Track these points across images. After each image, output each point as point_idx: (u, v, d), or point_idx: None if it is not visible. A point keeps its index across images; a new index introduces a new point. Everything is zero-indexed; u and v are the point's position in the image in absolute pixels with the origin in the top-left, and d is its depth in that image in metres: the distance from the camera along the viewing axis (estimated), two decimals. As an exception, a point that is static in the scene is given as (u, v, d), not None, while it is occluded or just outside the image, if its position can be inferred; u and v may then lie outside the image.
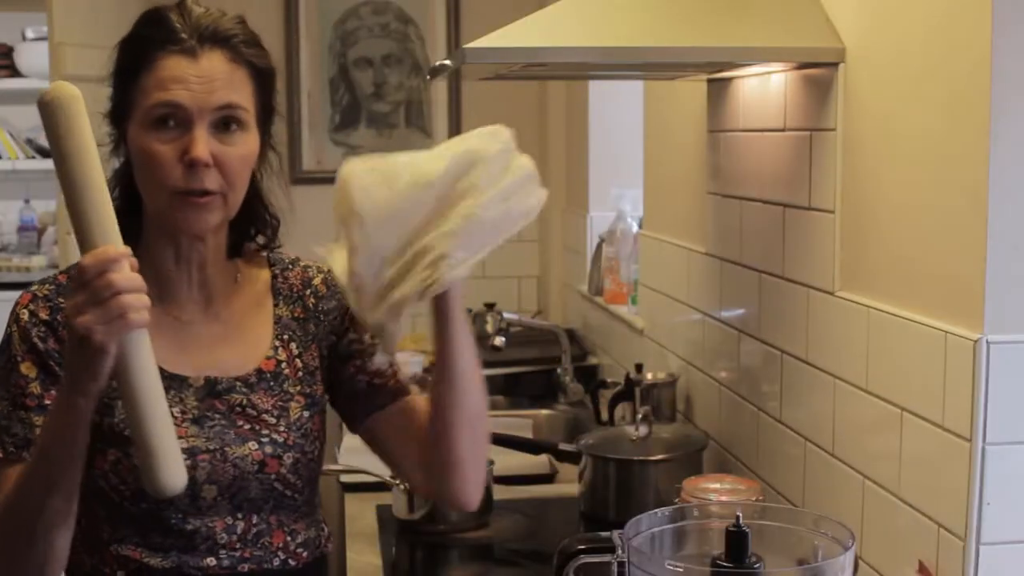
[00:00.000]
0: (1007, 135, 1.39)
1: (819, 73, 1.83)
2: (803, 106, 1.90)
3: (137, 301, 1.29)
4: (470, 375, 1.54)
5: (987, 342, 1.40)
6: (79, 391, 1.34)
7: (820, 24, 1.80)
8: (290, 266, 1.68)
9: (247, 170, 1.53)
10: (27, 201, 6.11)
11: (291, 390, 1.60)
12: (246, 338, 1.60)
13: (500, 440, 2.47)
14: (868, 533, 1.68)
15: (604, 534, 1.41)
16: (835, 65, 1.78)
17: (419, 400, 1.64)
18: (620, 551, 1.35)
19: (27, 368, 1.49)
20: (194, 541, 1.52)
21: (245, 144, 1.51)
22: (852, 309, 1.73)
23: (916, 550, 1.54)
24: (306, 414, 1.60)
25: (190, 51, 1.47)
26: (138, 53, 1.49)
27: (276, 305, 1.64)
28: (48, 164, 5.72)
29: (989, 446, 1.41)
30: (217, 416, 1.54)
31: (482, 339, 3.52)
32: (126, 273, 1.30)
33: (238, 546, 1.54)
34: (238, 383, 1.56)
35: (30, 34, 5.76)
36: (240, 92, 1.50)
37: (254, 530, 1.55)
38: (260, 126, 1.55)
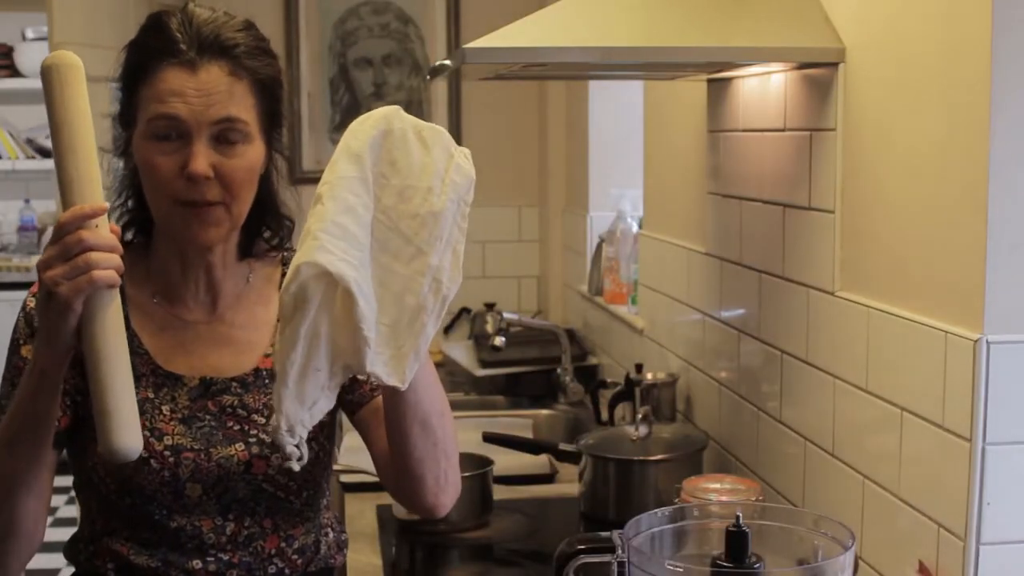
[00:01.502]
0: (1007, 135, 1.39)
1: (819, 73, 1.83)
2: (803, 106, 1.90)
3: (106, 260, 1.29)
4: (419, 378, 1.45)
5: (987, 342, 1.40)
6: (45, 350, 1.34)
7: (820, 24, 1.80)
8: None
9: (251, 180, 1.51)
10: (27, 201, 6.11)
11: None
12: (248, 338, 1.60)
13: (500, 440, 2.48)
14: (868, 533, 1.68)
15: (604, 534, 1.41)
16: (835, 65, 1.78)
17: None
18: (620, 551, 1.35)
19: (27, 351, 1.50)
20: (179, 539, 1.52)
21: (247, 156, 1.49)
22: (852, 309, 1.73)
23: (916, 550, 1.54)
24: None
25: (189, 64, 1.45)
26: (139, 62, 1.48)
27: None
28: (48, 164, 5.73)
29: (989, 446, 1.41)
30: (208, 417, 1.54)
31: (482, 339, 3.53)
32: (99, 232, 1.30)
33: (228, 548, 1.53)
34: (234, 383, 1.56)
35: (30, 34, 5.77)
36: (240, 105, 1.47)
37: (245, 533, 1.55)
38: (265, 134, 1.53)
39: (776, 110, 2.00)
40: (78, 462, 1.55)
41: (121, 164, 1.58)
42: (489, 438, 2.48)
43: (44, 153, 5.87)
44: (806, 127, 1.89)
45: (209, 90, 1.45)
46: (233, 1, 1.55)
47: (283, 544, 1.57)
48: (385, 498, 2.25)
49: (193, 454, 1.51)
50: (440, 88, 4.17)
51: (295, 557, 1.59)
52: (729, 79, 2.21)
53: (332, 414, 1.63)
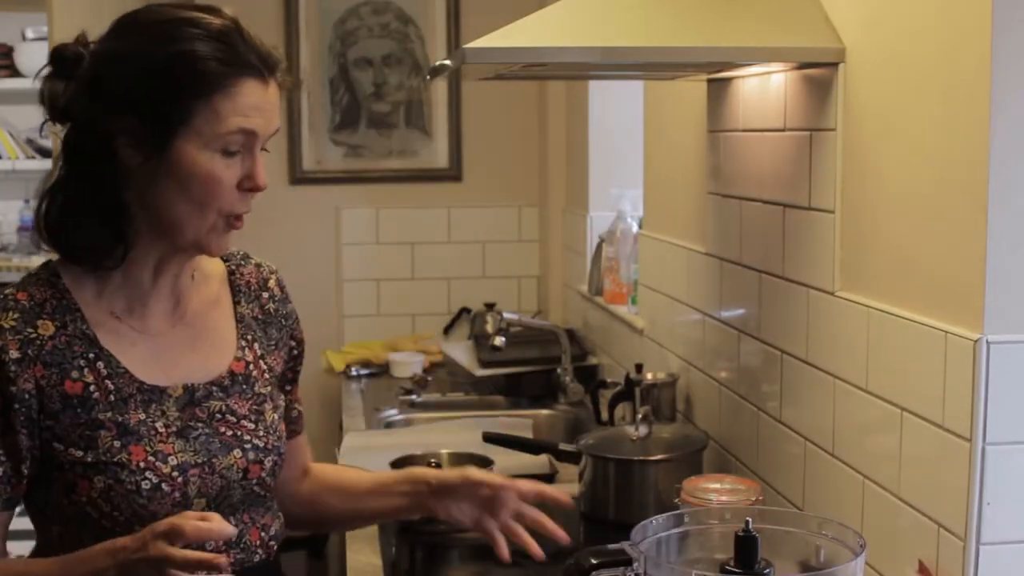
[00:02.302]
0: (1007, 135, 1.39)
1: (819, 73, 1.83)
2: (803, 106, 1.90)
3: None
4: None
5: (987, 342, 1.40)
6: None
7: (820, 24, 1.80)
8: (242, 262, 1.68)
9: None
10: (27, 201, 6.10)
11: (262, 391, 1.60)
12: (212, 338, 1.59)
13: (500, 440, 2.48)
14: (868, 533, 1.67)
15: (614, 546, 1.39)
16: (835, 65, 1.78)
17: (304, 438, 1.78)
18: (636, 564, 1.33)
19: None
20: None
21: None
22: (852, 309, 1.73)
23: (916, 550, 1.54)
24: (276, 416, 1.61)
25: (263, 78, 1.45)
26: (211, 71, 1.41)
27: (237, 303, 1.64)
28: (48, 164, 5.73)
29: (989, 446, 1.41)
30: (200, 425, 1.52)
31: (482, 339, 3.53)
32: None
33: (223, 549, 1.52)
34: (214, 388, 1.55)
35: (30, 34, 5.76)
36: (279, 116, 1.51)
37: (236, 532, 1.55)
38: None
39: (776, 110, 2.00)
40: (58, 502, 1.48)
41: (57, 162, 1.50)
42: (489, 438, 2.48)
43: (44, 153, 5.86)
44: (806, 127, 1.88)
45: (274, 103, 1.48)
46: (234, 1, 1.54)
47: (263, 534, 1.59)
48: (385, 498, 2.25)
49: (198, 469, 1.49)
50: (440, 88, 4.17)
51: (272, 544, 1.61)
52: (729, 79, 2.21)
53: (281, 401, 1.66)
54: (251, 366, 1.60)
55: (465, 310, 4.11)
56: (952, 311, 1.47)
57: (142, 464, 1.46)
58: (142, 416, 1.48)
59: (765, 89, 2.05)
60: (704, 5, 1.80)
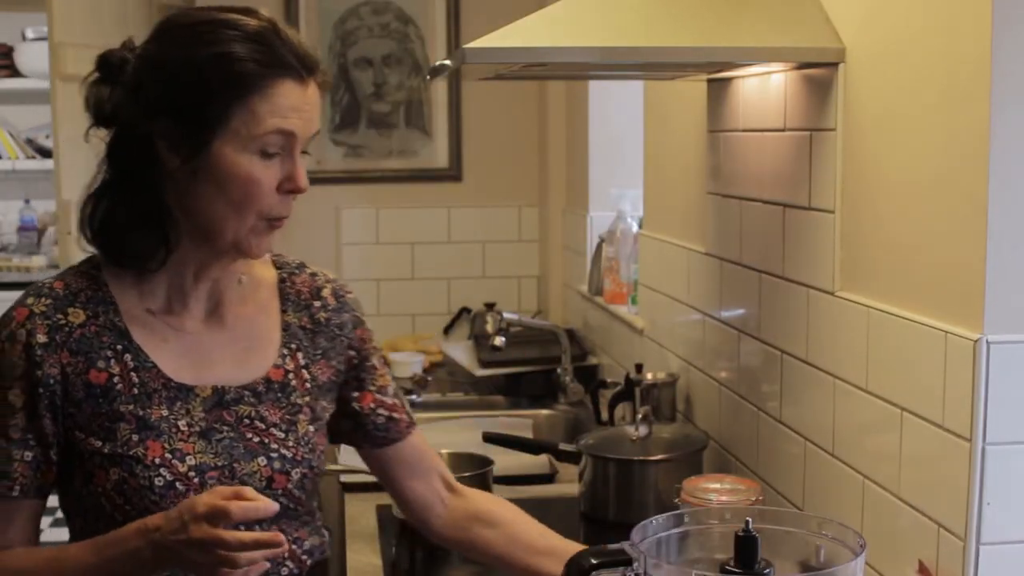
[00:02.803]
0: (1007, 135, 1.39)
1: (819, 73, 1.83)
2: (803, 106, 1.90)
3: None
4: None
5: (987, 342, 1.40)
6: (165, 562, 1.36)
7: (820, 24, 1.80)
8: (296, 270, 1.66)
9: None
10: (27, 201, 6.11)
11: (299, 402, 1.58)
12: (252, 344, 1.58)
13: (500, 440, 2.48)
14: (868, 533, 1.67)
15: (614, 546, 1.39)
16: (835, 65, 1.78)
17: (422, 436, 1.74)
18: (636, 564, 1.33)
19: (15, 396, 1.44)
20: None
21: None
22: (852, 309, 1.73)
23: (916, 550, 1.54)
24: (312, 428, 1.58)
25: (301, 79, 1.44)
26: (248, 72, 1.41)
27: (284, 311, 1.62)
28: (48, 164, 5.73)
29: (989, 446, 1.41)
30: (225, 428, 1.51)
31: (482, 339, 3.53)
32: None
33: None
34: (246, 392, 1.54)
35: (30, 34, 5.77)
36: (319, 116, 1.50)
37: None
38: None
39: (776, 110, 2.00)
40: (79, 491, 1.49)
41: (101, 163, 1.51)
42: (489, 438, 2.48)
43: (44, 153, 5.86)
44: (806, 127, 1.88)
45: (314, 104, 1.46)
46: (234, 0, 1.54)
47: (294, 547, 1.56)
48: (385, 498, 2.25)
49: (217, 472, 1.48)
50: (440, 88, 4.17)
51: (304, 558, 1.59)
52: (729, 79, 2.21)
53: (325, 426, 1.64)
54: (291, 375, 1.58)
55: (465, 310, 4.11)
56: (952, 311, 1.47)
57: (157, 460, 1.45)
58: (164, 412, 1.48)
59: (765, 89, 2.05)
60: (704, 5, 1.80)
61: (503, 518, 1.72)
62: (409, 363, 3.56)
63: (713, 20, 1.79)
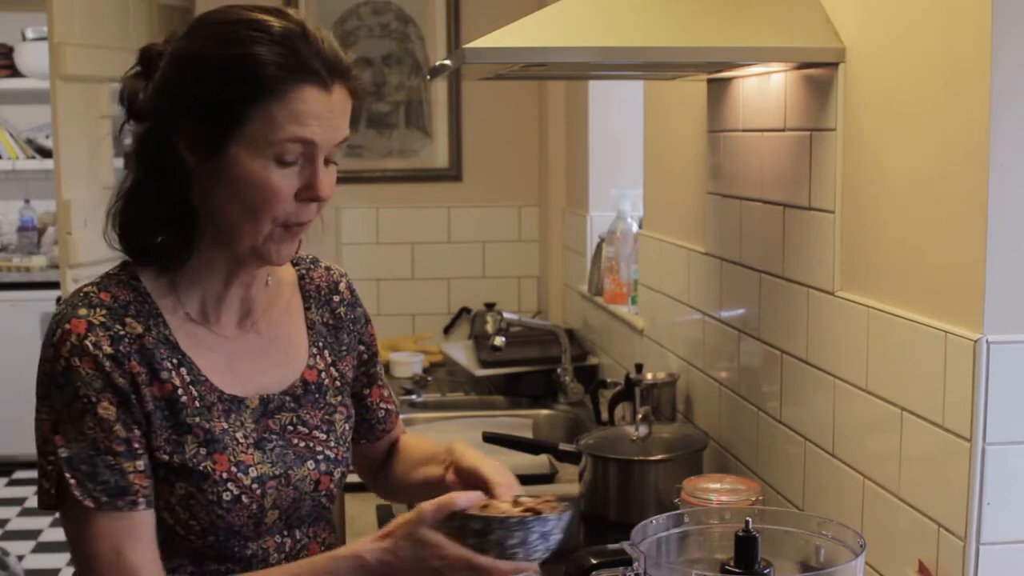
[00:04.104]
0: (1007, 135, 1.39)
1: (819, 73, 1.83)
2: (803, 106, 1.90)
3: None
4: None
5: (987, 342, 1.40)
6: None
7: (820, 24, 1.80)
8: (312, 266, 1.65)
9: None
10: (27, 201, 6.11)
11: (332, 401, 1.58)
12: (284, 347, 1.56)
13: (500, 440, 2.47)
14: (868, 533, 1.67)
15: (613, 546, 1.40)
16: (835, 65, 1.78)
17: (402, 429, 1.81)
18: (636, 564, 1.33)
19: (104, 409, 1.38)
20: (251, 565, 1.48)
21: (335, 172, 1.46)
22: (852, 309, 1.73)
23: (916, 550, 1.54)
24: (347, 426, 1.59)
25: (325, 85, 1.39)
26: (267, 76, 1.37)
27: (308, 308, 1.61)
28: (48, 164, 5.73)
29: (989, 446, 1.41)
30: (274, 437, 1.50)
31: (482, 339, 3.53)
32: None
33: (284, 562, 1.50)
34: (287, 398, 1.53)
35: (30, 34, 5.77)
36: (348, 124, 1.45)
37: (298, 546, 1.53)
38: None
39: (776, 110, 2.00)
40: None
41: (119, 166, 1.53)
42: (489, 438, 2.48)
43: (44, 153, 5.87)
44: (806, 127, 1.89)
45: (338, 112, 1.41)
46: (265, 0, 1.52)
47: (322, 548, 1.56)
48: (385, 498, 2.25)
49: (275, 481, 1.47)
50: (440, 88, 4.17)
51: None
52: (729, 79, 2.21)
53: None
54: (323, 374, 1.58)
55: (465, 310, 4.11)
56: (952, 311, 1.47)
57: (225, 475, 1.43)
58: (224, 425, 1.46)
59: (765, 89, 2.05)
60: (704, 5, 1.80)
61: (398, 449, 1.78)
62: (409, 363, 3.56)
63: (713, 20, 1.79)
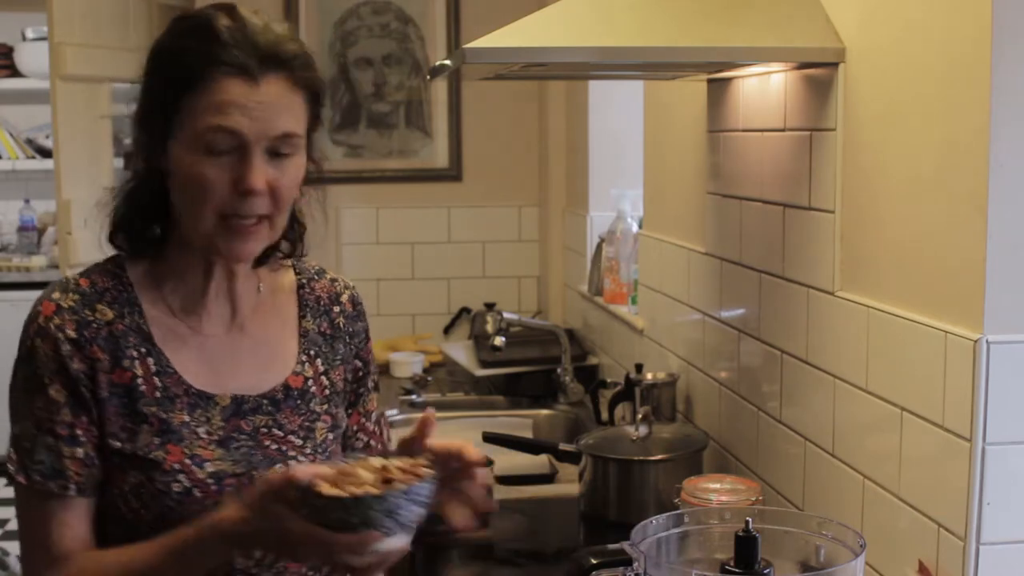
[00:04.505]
0: (1007, 135, 1.39)
1: (819, 73, 1.83)
2: (803, 106, 1.90)
3: None
4: None
5: (987, 342, 1.40)
6: (245, 553, 1.37)
7: (820, 24, 1.80)
8: (316, 276, 1.64)
9: (295, 192, 1.48)
10: (27, 201, 6.11)
11: (317, 409, 1.56)
12: (271, 352, 1.56)
13: (500, 440, 2.48)
14: (868, 533, 1.67)
15: (613, 546, 1.39)
16: (835, 65, 1.78)
17: None
18: (636, 564, 1.33)
19: (56, 392, 1.42)
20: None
21: (297, 168, 1.45)
22: (852, 309, 1.73)
23: (916, 550, 1.54)
24: (330, 436, 1.57)
25: (249, 74, 1.38)
26: (189, 67, 1.39)
27: (303, 317, 1.60)
28: (48, 164, 5.74)
29: (989, 446, 1.41)
30: (243, 437, 1.49)
31: (482, 339, 3.53)
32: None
33: (253, 571, 1.48)
34: (264, 401, 1.52)
35: (30, 34, 5.77)
36: (297, 118, 1.43)
37: (271, 555, 1.48)
38: (308, 143, 1.49)
39: (776, 110, 2.00)
40: (102, 489, 1.46)
41: (119, 166, 1.55)
42: (489, 438, 2.48)
43: (44, 153, 5.87)
44: (806, 127, 1.89)
45: (271, 104, 1.39)
46: (235, 0, 1.53)
47: (305, 568, 1.53)
48: (385, 498, 2.25)
49: (236, 479, 1.46)
50: (440, 88, 4.17)
51: (311, 573, 1.55)
52: (729, 79, 2.21)
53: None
54: (310, 381, 1.56)
55: (465, 310, 4.11)
56: (952, 311, 1.47)
57: (177, 466, 1.43)
58: (186, 418, 1.46)
59: (765, 89, 2.05)
60: (704, 5, 1.80)
61: None
62: (409, 363, 3.56)
63: (713, 20, 1.79)
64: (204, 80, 1.38)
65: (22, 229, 6.03)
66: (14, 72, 5.78)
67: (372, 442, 1.67)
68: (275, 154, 1.42)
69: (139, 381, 1.45)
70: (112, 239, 1.52)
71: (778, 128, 1.99)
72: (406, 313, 4.19)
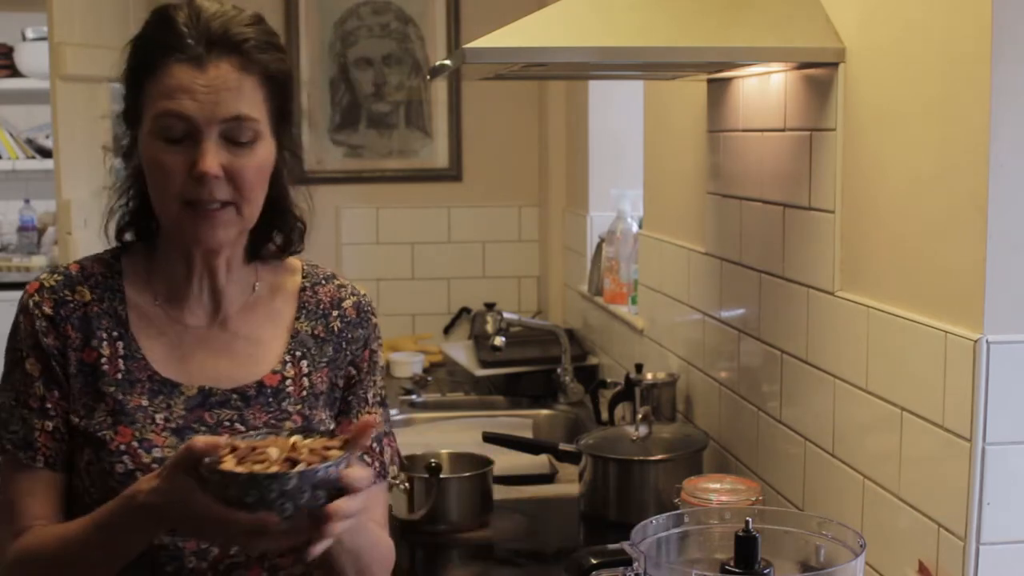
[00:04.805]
0: (1007, 135, 1.39)
1: (819, 73, 1.83)
2: (803, 106, 1.90)
3: None
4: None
5: (987, 342, 1.40)
6: (168, 528, 1.36)
7: (820, 24, 1.80)
8: (323, 281, 1.62)
9: (262, 180, 1.47)
10: (27, 201, 6.10)
11: (289, 409, 1.52)
12: (253, 349, 1.55)
13: (500, 440, 2.48)
14: (868, 533, 1.67)
15: (613, 546, 1.39)
16: (835, 65, 1.78)
17: (383, 489, 1.62)
18: (636, 564, 1.33)
19: (31, 366, 1.47)
20: (158, 560, 1.43)
21: (257, 154, 1.44)
22: (852, 309, 1.73)
23: (916, 550, 1.54)
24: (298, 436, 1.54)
25: (197, 59, 1.40)
26: (145, 58, 1.44)
27: (298, 318, 1.58)
28: (48, 164, 5.73)
29: (989, 446, 1.41)
30: (204, 429, 1.48)
31: (482, 339, 3.53)
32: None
33: (208, 574, 1.45)
34: (234, 396, 1.50)
35: (30, 34, 5.76)
36: (250, 102, 1.43)
37: (227, 561, 1.46)
38: (275, 132, 1.48)
39: (776, 110, 2.00)
40: (67, 468, 1.48)
41: (120, 163, 1.55)
42: (489, 438, 2.48)
43: (44, 153, 5.86)
44: (806, 127, 1.89)
45: (218, 87, 1.41)
46: (234, 1, 1.53)
47: (265, 575, 1.49)
48: (385, 498, 2.25)
49: None
50: (440, 88, 4.17)
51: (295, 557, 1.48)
52: (729, 79, 2.21)
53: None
54: (288, 382, 1.54)
55: (465, 310, 4.11)
56: (952, 311, 1.47)
57: (123, 447, 1.44)
58: (144, 403, 1.47)
59: (765, 89, 2.05)
60: (704, 5, 1.80)
61: None
62: (409, 363, 3.56)
63: (713, 20, 1.79)
64: (158, 68, 1.42)
65: (22, 229, 6.03)
66: (14, 72, 5.77)
67: (366, 458, 1.58)
68: (232, 140, 1.43)
69: (103, 361, 1.48)
70: (119, 236, 1.57)
71: (778, 128, 1.99)
72: (406, 313, 4.19)
